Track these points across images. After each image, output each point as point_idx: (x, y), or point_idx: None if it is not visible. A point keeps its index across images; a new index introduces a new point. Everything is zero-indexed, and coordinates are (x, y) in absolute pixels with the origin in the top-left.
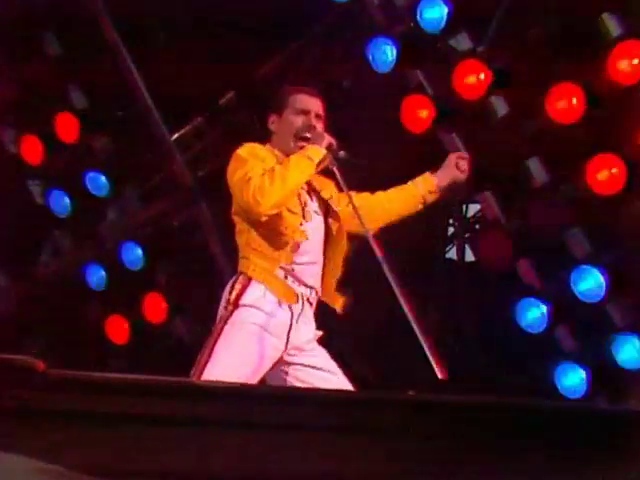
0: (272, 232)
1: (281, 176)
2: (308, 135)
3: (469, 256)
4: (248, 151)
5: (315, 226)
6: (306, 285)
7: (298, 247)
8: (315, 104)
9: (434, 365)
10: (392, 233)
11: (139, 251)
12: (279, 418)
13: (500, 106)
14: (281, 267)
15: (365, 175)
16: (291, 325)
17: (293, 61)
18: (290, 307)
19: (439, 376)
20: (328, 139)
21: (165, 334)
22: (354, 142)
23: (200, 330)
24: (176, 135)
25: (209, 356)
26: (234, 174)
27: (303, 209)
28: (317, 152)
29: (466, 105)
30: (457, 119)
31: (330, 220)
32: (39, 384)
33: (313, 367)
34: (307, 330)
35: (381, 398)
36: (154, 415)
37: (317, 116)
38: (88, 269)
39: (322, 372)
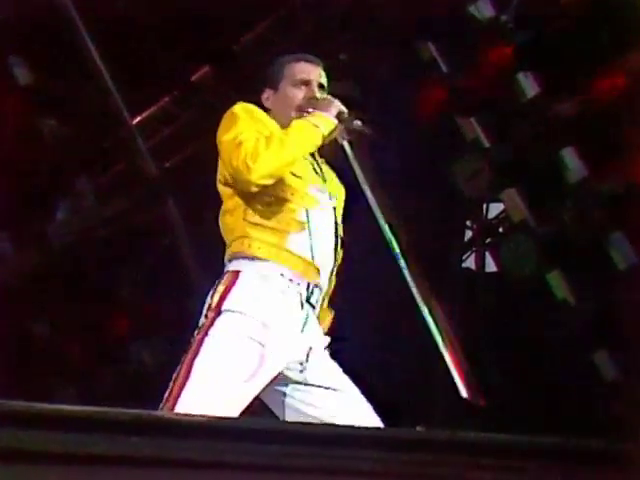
0: (275, 201)
1: (280, 142)
2: (311, 110)
3: (490, 265)
4: (245, 109)
5: (325, 213)
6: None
7: (307, 219)
8: (317, 73)
9: (461, 387)
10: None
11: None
12: (269, 458)
13: (528, 85)
14: (292, 238)
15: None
16: (301, 327)
17: (281, 29)
18: (301, 304)
19: (466, 397)
20: (338, 105)
21: (127, 357)
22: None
23: (169, 351)
24: (138, 118)
25: (186, 378)
26: (224, 134)
27: (312, 175)
28: (326, 121)
29: (488, 84)
30: (477, 100)
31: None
32: None
33: (319, 386)
34: (315, 335)
35: (385, 435)
36: (115, 455)
37: (320, 86)
38: (34, 277)
39: (329, 391)
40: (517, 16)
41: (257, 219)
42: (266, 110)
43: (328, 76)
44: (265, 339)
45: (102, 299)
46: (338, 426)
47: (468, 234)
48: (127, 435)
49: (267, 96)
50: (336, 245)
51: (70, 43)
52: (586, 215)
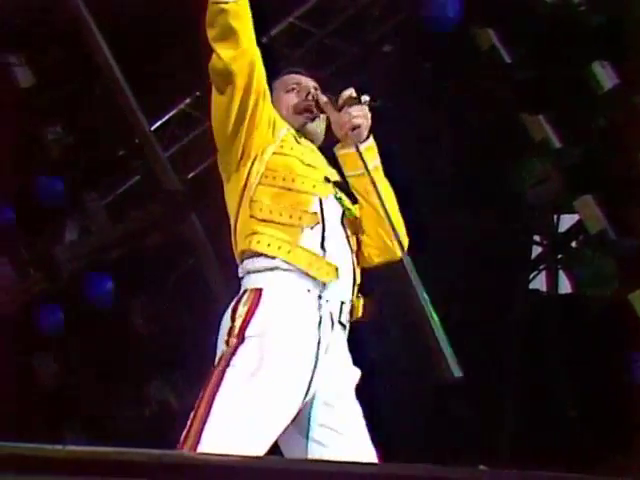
0: (283, 193)
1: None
2: (310, 103)
3: (563, 286)
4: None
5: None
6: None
7: (321, 210)
8: (309, 80)
9: None
10: (450, 256)
11: (108, 284)
12: None
13: (605, 77)
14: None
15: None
16: (317, 357)
17: (316, 17)
18: (319, 325)
19: None
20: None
21: (146, 396)
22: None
23: (191, 388)
24: (157, 124)
25: (206, 415)
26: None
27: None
28: None
29: (557, 76)
30: (545, 94)
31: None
32: None
33: (332, 429)
34: (339, 364)
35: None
36: None
37: (314, 88)
38: (39, 308)
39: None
40: None
41: (264, 214)
42: None
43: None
44: (295, 369)
45: (116, 331)
46: (367, 464)
47: (536, 250)
48: (145, 478)
49: None
50: (350, 245)
51: (77, 41)
52: None
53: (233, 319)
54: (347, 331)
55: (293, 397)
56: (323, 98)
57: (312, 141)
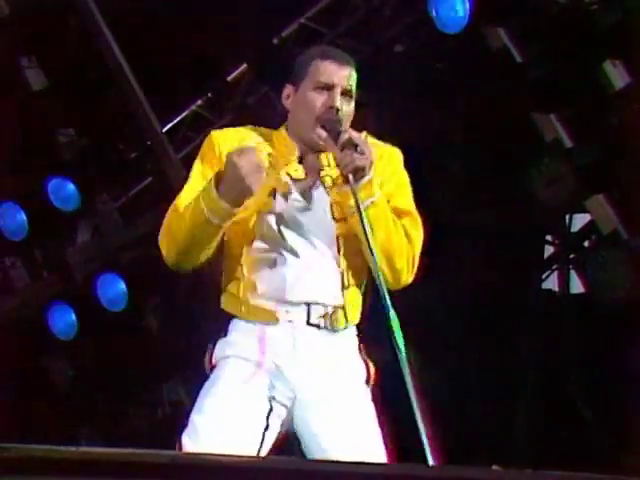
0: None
1: (177, 224)
2: (328, 127)
3: (575, 286)
4: (207, 144)
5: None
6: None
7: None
8: (343, 76)
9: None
10: (464, 256)
11: (121, 285)
12: None
13: (617, 76)
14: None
15: None
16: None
17: (328, 18)
18: (289, 343)
19: None
20: (346, 140)
21: (159, 397)
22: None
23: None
24: (169, 125)
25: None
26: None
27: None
28: (216, 206)
29: (569, 75)
30: (557, 93)
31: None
32: None
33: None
34: (318, 371)
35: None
36: None
37: (345, 93)
38: (52, 310)
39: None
40: None
41: (226, 263)
42: (286, 111)
43: (359, 77)
44: (260, 379)
45: (130, 332)
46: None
47: (548, 250)
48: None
49: (288, 93)
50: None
51: (88, 42)
52: None
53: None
54: (344, 331)
55: (260, 406)
56: (323, 134)
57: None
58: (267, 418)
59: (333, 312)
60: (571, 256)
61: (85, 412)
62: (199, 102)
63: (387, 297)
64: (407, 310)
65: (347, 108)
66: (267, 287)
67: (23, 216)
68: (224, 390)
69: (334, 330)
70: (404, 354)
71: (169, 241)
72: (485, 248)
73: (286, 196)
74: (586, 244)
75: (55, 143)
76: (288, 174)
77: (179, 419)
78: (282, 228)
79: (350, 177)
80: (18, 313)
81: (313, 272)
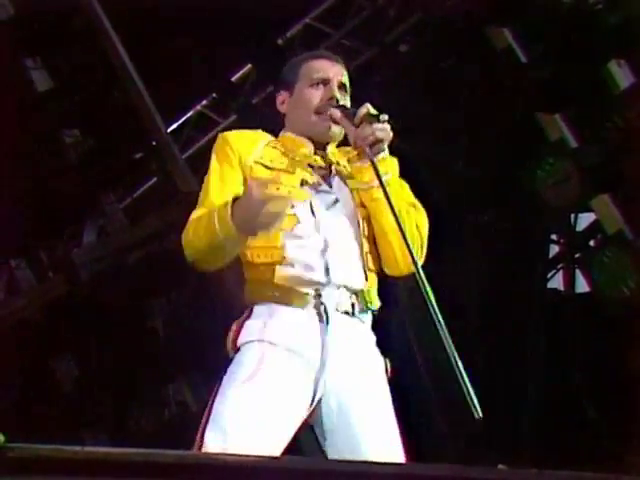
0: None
1: (204, 227)
2: (331, 110)
3: (581, 285)
4: (219, 145)
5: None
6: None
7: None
8: (337, 71)
9: None
10: (469, 256)
11: (127, 286)
12: None
13: (622, 76)
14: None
15: None
16: (323, 357)
17: (332, 18)
18: (319, 328)
19: None
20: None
21: (164, 397)
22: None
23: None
24: (174, 126)
25: (206, 422)
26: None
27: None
28: (230, 234)
29: (574, 75)
30: (562, 93)
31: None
32: None
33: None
34: (349, 359)
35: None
36: None
37: (341, 86)
38: (59, 311)
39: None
40: None
41: (248, 255)
42: (282, 117)
43: (350, 77)
44: (291, 366)
45: (135, 333)
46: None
47: (554, 249)
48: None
49: (282, 99)
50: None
51: (94, 42)
52: None
53: (227, 335)
54: (365, 318)
55: (293, 397)
56: (337, 113)
57: (327, 142)
58: (296, 407)
59: (360, 296)
60: (576, 255)
61: (90, 412)
62: (204, 102)
63: (419, 267)
64: (412, 310)
65: (345, 102)
66: (303, 271)
67: (29, 217)
68: (251, 377)
69: (362, 313)
70: (444, 326)
71: (191, 247)
72: (490, 247)
73: (314, 184)
74: (591, 244)
75: (60, 144)
76: (310, 165)
77: (185, 419)
78: (316, 214)
79: (368, 150)
80: (23, 314)
81: (344, 256)
